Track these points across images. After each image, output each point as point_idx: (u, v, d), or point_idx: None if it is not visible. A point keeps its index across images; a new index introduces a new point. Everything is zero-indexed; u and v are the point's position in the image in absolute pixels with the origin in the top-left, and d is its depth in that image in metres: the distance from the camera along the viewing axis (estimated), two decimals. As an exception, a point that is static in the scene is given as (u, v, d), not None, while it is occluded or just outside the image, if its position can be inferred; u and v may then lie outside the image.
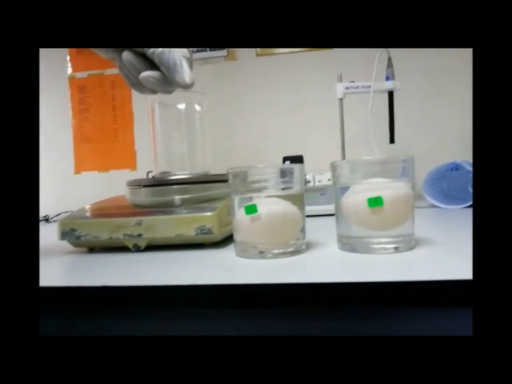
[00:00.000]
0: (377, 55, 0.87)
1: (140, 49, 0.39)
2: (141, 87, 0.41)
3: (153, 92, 0.42)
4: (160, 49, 0.38)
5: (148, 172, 1.03)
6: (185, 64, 0.39)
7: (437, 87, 1.13)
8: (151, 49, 0.38)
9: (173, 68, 0.38)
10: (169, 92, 0.42)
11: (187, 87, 0.39)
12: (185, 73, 0.38)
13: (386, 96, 0.91)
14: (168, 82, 0.40)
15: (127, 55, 0.39)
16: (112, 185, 1.26)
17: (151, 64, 0.40)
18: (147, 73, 0.39)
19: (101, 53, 0.42)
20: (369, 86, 0.88)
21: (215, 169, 0.67)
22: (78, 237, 0.47)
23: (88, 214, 0.49)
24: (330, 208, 0.74)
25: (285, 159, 0.96)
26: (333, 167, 0.41)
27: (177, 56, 0.38)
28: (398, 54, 0.92)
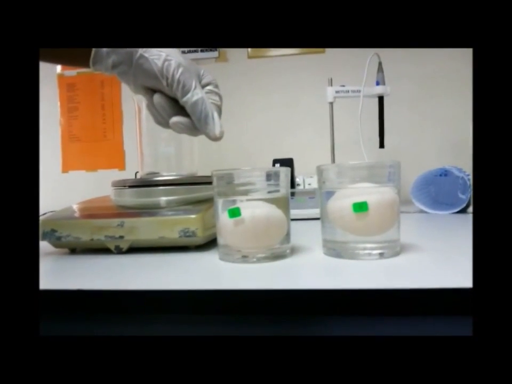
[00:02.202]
0: (368, 60, 0.87)
1: (172, 93, 0.39)
2: (167, 126, 0.41)
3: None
4: (193, 99, 0.38)
5: (136, 172, 1.02)
6: (216, 117, 0.39)
7: (428, 92, 1.14)
8: (185, 98, 0.38)
9: (204, 120, 0.38)
10: (196, 135, 0.42)
11: (215, 139, 0.39)
12: (216, 126, 0.39)
13: (376, 100, 0.91)
14: (196, 129, 0.40)
15: (158, 98, 0.39)
16: (100, 185, 1.25)
17: (181, 108, 0.39)
18: (178, 120, 0.39)
19: (131, 88, 0.42)
20: (359, 91, 0.88)
21: (204, 171, 0.66)
22: (59, 238, 0.46)
23: (69, 214, 0.48)
24: (319, 212, 0.74)
25: (275, 161, 0.95)
26: (319, 171, 0.41)
27: (210, 107, 0.39)
28: (388, 59, 0.92)
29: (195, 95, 0.38)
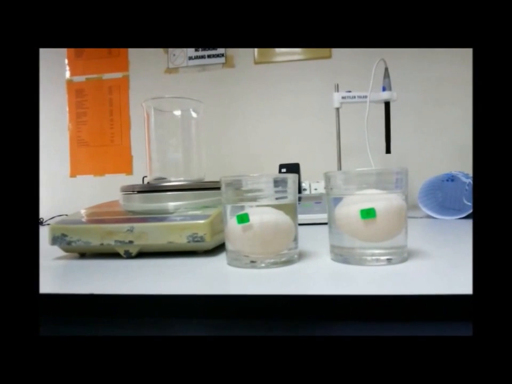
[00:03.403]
0: (374, 65, 0.88)
1: None
2: None
3: None
4: None
5: (144, 177, 1.03)
6: None
7: (434, 98, 1.14)
8: None
9: None
10: None
11: None
12: None
13: (383, 106, 0.91)
14: None
15: None
16: (107, 189, 1.26)
17: None
18: None
19: None
20: (366, 96, 0.88)
21: (211, 176, 0.67)
22: (69, 243, 0.46)
23: (79, 219, 0.49)
24: (325, 216, 0.74)
25: (281, 166, 0.96)
26: (327, 178, 0.41)
27: None
28: (395, 65, 0.92)
29: None
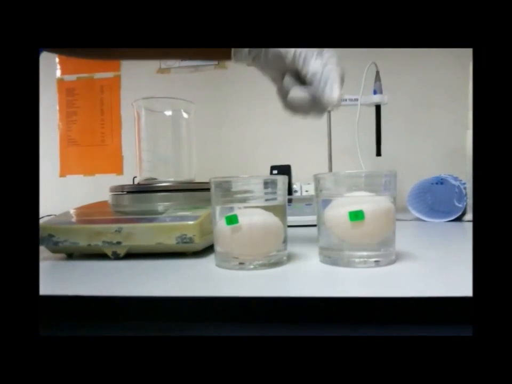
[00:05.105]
0: (365, 69, 0.88)
1: (295, 68, 0.40)
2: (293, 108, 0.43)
3: (305, 113, 0.43)
4: (312, 70, 0.39)
5: (134, 177, 1.02)
6: (335, 82, 0.39)
7: (425, 101, 1.15)
8: (304, 71, 0.40)
9: (323, 87, 0.39)
10: (320, 114, 0.43)
11: (331, 104, 0.39)
12: (333, 91, 0.39)
13: (373, 109, 0.92)
14: (314, 103, 0.40)
15: (286, 79, 0.42)
16: (97, 189, 1.25)
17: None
18: (293, 94, 0.41)
19: (264, 72, 0.44)
20: (357, 99, 0.89)
21: (202, 177, 0.66)
22: (56, 243, 0.46)
23: (67, 220, 0.48)
24: (315, 218, 0.74)
25: (272, 168, 0.96)
26: (316, 180, 0.41)
27: (329, 74, 0.39)
28: (386, 68, 0.93)
29: (314, 64, 0.39)
